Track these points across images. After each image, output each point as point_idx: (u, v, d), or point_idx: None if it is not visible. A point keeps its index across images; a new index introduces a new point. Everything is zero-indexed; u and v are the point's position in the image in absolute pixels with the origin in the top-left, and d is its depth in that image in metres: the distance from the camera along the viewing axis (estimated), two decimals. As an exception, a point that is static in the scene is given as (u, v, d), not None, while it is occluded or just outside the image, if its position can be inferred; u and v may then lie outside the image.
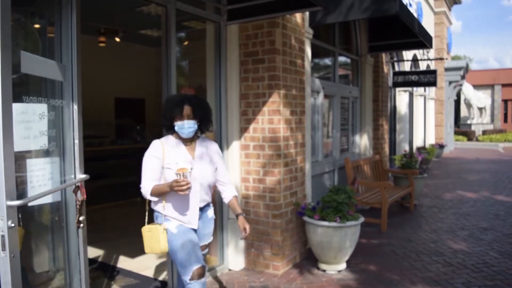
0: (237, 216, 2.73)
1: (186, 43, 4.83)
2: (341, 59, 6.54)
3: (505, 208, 6.85)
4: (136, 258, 4.37)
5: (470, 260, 4.36)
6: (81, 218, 2.49)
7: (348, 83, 6.95)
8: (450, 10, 17.72)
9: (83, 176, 2.57)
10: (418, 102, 13.04)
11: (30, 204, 2.26)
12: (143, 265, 4.16)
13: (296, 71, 4.27)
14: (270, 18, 3.85)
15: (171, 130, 2.59)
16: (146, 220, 2.62)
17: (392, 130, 9.85)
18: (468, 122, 29.53)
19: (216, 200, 3.80)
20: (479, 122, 29.50)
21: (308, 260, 4.38)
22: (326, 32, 6.00)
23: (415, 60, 11.48)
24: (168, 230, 2.52)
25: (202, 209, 2.66)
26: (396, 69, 9.93)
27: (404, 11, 4.89)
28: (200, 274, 2.49)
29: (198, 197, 2.56)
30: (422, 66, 12.65)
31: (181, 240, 2.50)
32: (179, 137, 2.58)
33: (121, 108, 8.99)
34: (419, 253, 4.60)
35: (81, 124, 2.58)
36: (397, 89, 10.09)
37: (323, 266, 4.11)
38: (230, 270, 4.17)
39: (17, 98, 2.14)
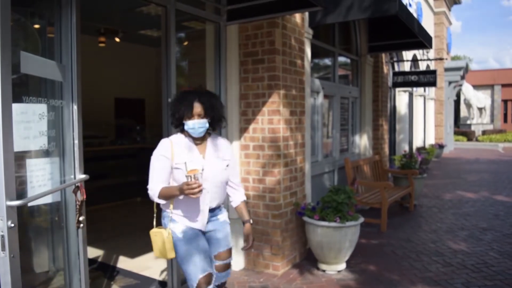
0: (243, 222, 2.59)
1: (186, 43, 4.83)
2: (341, 59, 6.54)
3: (505, 208, 6.85)
4: (136, 258, 4.37)
5: (470, 260, 4.36)
6: (81, 218, 2.48)
7: (347, 83, 6.95)
8: (450, 10, 17.72)
9: (83, 176, 2.56)
10: (417, 102, 13.04)
11: (30, 204, 2.26)
12: (143, 265, 4.16)
13: (296, 71, 4.27)
14: (270, 18, 3.85)
15: (180, 127, 2.43)
16: (155, 222, 2.51)
17: (392, 130, 9.85)
18: (468, 122, 29.54)
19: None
20: (478, 122, 29.52)
21: (308, 260, 4.38)
22: (326, 32, 6.00)
23: (415, 60, 11.48)
24: (174, 233, 2.40)
25: (213, 211, 2.51)
26: (396, 69, 9.94)
27: (404, 11, 4.90)
28: (207, 282, 2.35)
29: (208, 197, 2.42)
30: (422, 66, 12.64)
31: (187, 247, 2.37)
32: (189, 135, 2.41)
33: (121, 108, 9.01)
34: (419, 253, 4.60)
35: (81, 124, 2.57)
36: (397, 89, 10.08)
37: (323, 266, 4.11)
38: (230, 270, 4.17)
39: (17, 98, 2.14)
